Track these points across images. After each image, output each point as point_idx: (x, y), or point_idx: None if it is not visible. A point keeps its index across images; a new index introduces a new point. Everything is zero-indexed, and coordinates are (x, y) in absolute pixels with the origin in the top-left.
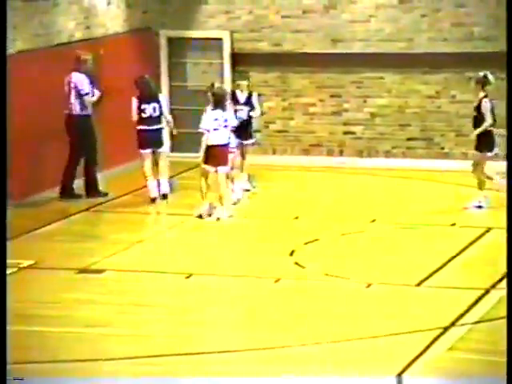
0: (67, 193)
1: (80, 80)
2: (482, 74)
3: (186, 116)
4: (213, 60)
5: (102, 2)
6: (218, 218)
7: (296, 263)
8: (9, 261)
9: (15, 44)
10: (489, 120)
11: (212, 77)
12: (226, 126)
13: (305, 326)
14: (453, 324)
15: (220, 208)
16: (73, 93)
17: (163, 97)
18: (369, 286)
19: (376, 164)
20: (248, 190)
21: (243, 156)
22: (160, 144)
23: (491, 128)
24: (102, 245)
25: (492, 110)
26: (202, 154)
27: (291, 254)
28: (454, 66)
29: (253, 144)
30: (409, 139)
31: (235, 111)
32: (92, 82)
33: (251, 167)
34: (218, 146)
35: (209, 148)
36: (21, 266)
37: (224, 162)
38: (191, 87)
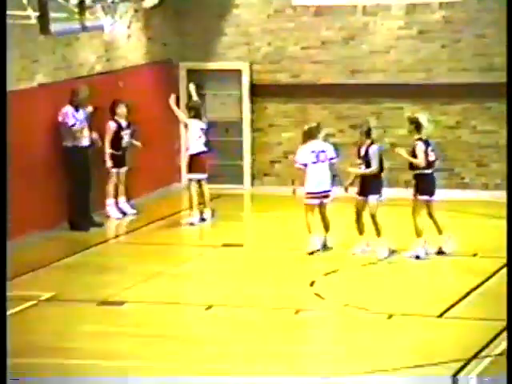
0: (74, 225)
1: (67, 112)
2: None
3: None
4: (232, 91)
5: (122, 35)
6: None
7: (316, 294)
8: (29, 293)
9: (36, 77)
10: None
11: (231, 108)
12: (323, 161)
13: (326, 358)
14: (475, 356)
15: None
16: (62, 125)
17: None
18: (390, 316)
19: (396, 194)
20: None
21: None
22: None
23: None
24: (121, 276)
25: (426, 152)
26: (307, 187)
27: (311, 284)
28: (474, 97)
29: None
30: None
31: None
32: (84, 114)
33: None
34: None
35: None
36: (41, 298)
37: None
38: (210, 118)
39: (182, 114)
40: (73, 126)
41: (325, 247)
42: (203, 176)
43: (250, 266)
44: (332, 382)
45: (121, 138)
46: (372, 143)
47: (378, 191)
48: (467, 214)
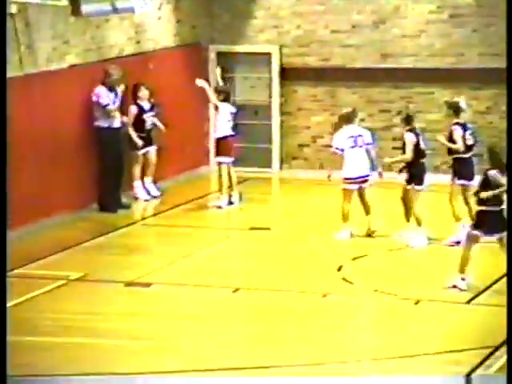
0: (104, 206)
1: (101, 92)
2: (456, 99)
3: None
4: (261, 74)
5: (152, 17)
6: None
7: (344, 279)
8: (58, 273)
9: (66, 58)
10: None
11: (260, 91)
12: (361, 146)
13: (354, 343)
14: (504, 343)
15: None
16: (95, 105)
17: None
18: (417, 302)
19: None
20: None
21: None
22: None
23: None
24: (149, 258)
25: (464, 137)
26: (345, 173)
27: (339, 269)
28: (504, 82)
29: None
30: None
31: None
32: (116, 95)
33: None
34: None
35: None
36: (70, 278)
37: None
38: (240, 101)
39: (214, 96)
40: (107, 105)
41: (368, 231)
42: (229, 159)
43: (277, 249)
44: (342, 382)
45: (143, 121)
46: (409, 130)
47: (415, 180)
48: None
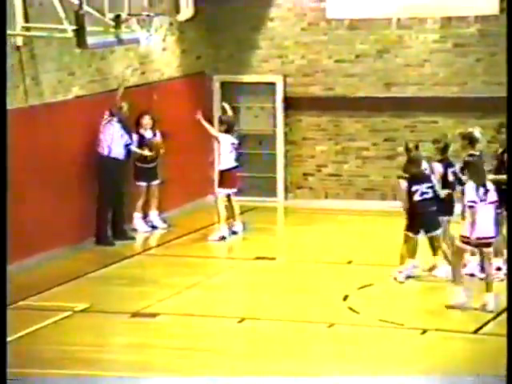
0: (100, 239)
1: (114, 125)
2: (470, 130)
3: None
4: (265, 104)
5: (157, 48)
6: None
7: (350, 308)
8: (63, 304)
9: (72, 90)
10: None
11: (265, 121)
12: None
13: (361, 373)
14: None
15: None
16: (104, 135)
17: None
18: (424, 332)
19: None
20: None
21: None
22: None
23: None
24: (155, 288)
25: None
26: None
27: (345, 298)
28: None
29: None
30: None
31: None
32: (125, 128)
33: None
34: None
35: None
36: (75, 309)
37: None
38: (244, 131)
39: (212, 128)
40: (121, 139)
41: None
42: (232, 191)
43: (282, 279)
44: (340, 382)
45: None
46: (439, 161)
47: (445, 211)
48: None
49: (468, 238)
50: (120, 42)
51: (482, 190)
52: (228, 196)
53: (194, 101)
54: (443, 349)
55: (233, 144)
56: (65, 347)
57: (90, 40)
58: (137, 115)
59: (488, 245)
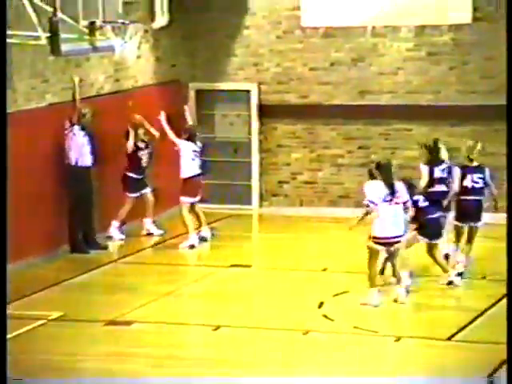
0: (74, 247)
1: (73, 131)
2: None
3: (213, 167)
4: (241, 112)
5: (131, 56)
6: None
7: (324, 315)
8: (38, 312)
9: (46, 97)
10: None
11: (240, 128)
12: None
13: (335, 380)
14: (485, 377)
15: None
16: (69, 144)
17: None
18: (398, 339)
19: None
20: None
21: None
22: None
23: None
24: (130, 296)
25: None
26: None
27: (320, 306)
28: (482, 119)
29: None
30: None
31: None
32: (89, 135)
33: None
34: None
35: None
36: (50, 317)
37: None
38: (219, 139)
39: (171, 133)
40: (83, 146)
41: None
42: (195, 199)
43: (258, 286)
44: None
45: (140, 159)
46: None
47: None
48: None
49: (378, 238)
50: (94, 49)
51: (388, 190)
52: (192, 204)
53: (169, 108)
54: (417, 356)
55: (195, 152)
56: (38, 355)
57: (63, 47)
58: (125, 125)
59: (395, 243)
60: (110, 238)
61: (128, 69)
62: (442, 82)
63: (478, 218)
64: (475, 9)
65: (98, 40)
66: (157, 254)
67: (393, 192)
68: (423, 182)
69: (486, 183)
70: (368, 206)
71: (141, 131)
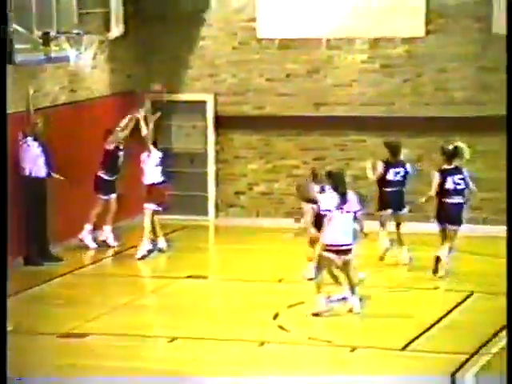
0: (28, 259)
1: (27, 142)
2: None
3: (170, 178)
4: (197, 122)
5: (86, 67)
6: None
7: (280, 326)
8: None
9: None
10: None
11: (196, 139)
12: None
13: None
14: None
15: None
16: (23, 155)
17: None
18: (353, 349)
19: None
20: None
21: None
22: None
23: None
24: (84, 308)
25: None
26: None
27: (275, 317)
28: (435, 130)
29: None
30: None
31: None
32: (43, 145)
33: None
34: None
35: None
36: None
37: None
38: (176, 149)
39: (149, 136)
40: (37, 156)
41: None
42: (159, 207)
43: (214, 298)
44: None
45: (116, 160)
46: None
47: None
48: (429, 247)
49: (329, 245)
50: (49, 59)
51: (340, 199)
52: (154, 213)
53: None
54: (372, 366)
55: (160, 158)
56: None
57: (18, 57)
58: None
59: (346, 252)
60: (81, 240)
61: (83, 79)
62: (396, 94)
63: (460, 220)
64: (428, 22)
65: (52, 50)
66: (113, 265)
67: (344, 201)
68: None
69: (466, 184)
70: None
71: (122, 134)
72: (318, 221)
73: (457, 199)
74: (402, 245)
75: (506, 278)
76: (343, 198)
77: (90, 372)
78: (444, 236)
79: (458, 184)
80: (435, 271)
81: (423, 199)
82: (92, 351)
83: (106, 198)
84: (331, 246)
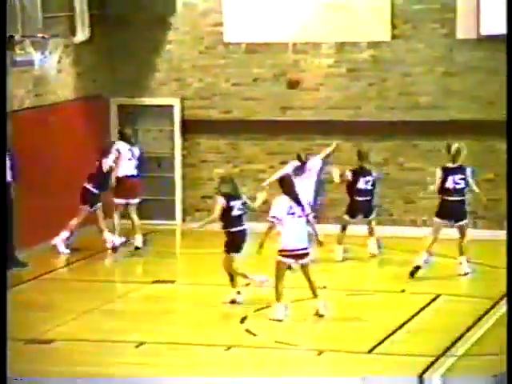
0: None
1: None
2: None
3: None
4: (163, 127)
5: (52, 71)
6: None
7: (247, 330)
8: None
9: None
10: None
11: (163, 143)
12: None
13: None
14: None
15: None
16: None
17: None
18: (320, 353)
19: (327, 230)
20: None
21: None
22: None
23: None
24: (51, 314)
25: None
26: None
27: (242, 321)
28: (401, 134)
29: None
30: None
31: None
32: (8, 150)
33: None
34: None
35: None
36: None
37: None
38: (143, 154)
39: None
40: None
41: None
42: (130, 201)
43: (181, 302)
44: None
45: (106, 176)
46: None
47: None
48: (395, 251)
49: (286, 250)
50: (14, 63)
51: (292, 204)
52: (127, 207)
53: (91, 123)
54: (339, 369)
55: (130, 150)
56: None
57: None
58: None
59: (302, 256)
60: (53, 245)
61: (49, 83)
62: (362, 98)
63: (464, 216)
64: (393, 27)
65: (17, 54)
66: (79, 270)
67: (299, 205)
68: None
69: (467, 183)
70: (272, 221)
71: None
72: (225, 217)
73: (456, 197)
74: (372, 236)
75: (506, 277)
76: (297, 203)
77: (57, 380)
78: (435, 238)
79: (458, 183)
80: (412, 275)
81: (427, 190)
82: (58, 357)
83: (92, 209)
84: (288, 250)
